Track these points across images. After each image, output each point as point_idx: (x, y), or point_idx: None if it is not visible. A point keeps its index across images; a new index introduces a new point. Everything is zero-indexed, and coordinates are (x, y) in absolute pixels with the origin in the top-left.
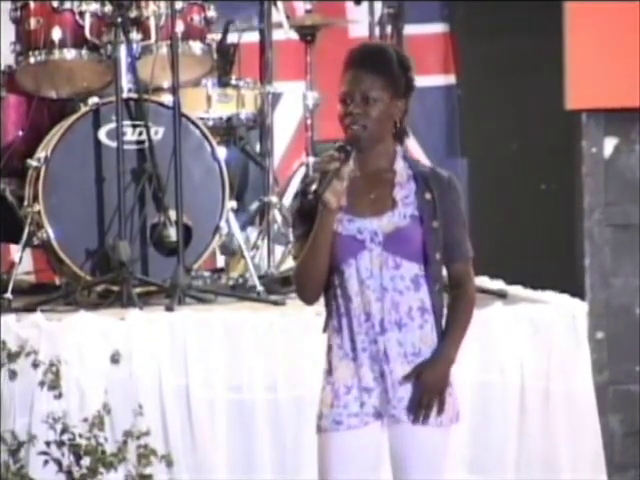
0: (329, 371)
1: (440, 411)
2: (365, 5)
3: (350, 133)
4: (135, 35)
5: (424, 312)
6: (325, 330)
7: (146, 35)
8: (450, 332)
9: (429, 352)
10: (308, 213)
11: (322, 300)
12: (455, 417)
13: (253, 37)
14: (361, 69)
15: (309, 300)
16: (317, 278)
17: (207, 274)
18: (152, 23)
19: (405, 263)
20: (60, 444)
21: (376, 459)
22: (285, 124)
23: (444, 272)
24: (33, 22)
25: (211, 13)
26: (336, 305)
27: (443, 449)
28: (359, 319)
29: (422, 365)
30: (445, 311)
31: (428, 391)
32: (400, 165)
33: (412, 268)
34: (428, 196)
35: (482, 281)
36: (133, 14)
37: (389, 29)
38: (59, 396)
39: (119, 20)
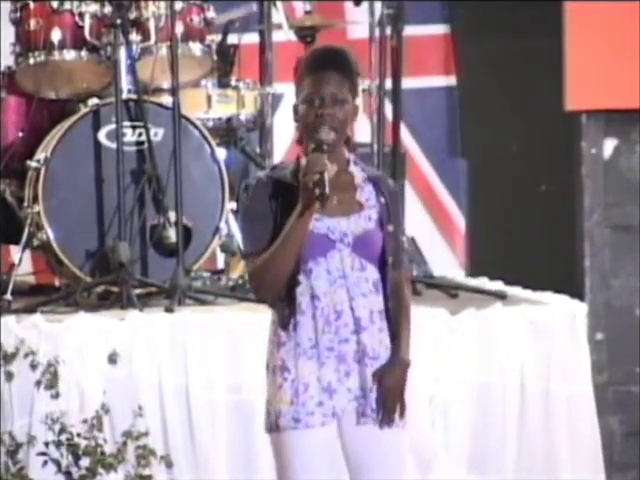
0: (284, 368)
1: (402, 413)
2: (365, 6)
3: (320, 134)
4: (135, 36)
5: (382, 316)
6: (285, 327)
7: (146, 36)
8: (401, 336)
9: (386, 356)
10: (270, 209)
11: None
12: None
13: (253, 38)
14: (329, 71)
15: (269, 298)
16: (284, 275)
17: (207, 275)
18: (152, 24)
19: (369, 266)
20: (58, 444)
21: (333, 459)
22: (285, 125)
23: None
24: (33, 23)
25: (211, 14)
26: (297, 302)
27: (404, 451)
28: (327, 318)
29: (382, 369)
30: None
31: (391, 394)
32: (354, 168)
33: (374, 271)
34: (382, 200)
35: (482, 282)
36: (133, 15)
37: (389, 30)
38: (56, 396)
39: (119, 21)
